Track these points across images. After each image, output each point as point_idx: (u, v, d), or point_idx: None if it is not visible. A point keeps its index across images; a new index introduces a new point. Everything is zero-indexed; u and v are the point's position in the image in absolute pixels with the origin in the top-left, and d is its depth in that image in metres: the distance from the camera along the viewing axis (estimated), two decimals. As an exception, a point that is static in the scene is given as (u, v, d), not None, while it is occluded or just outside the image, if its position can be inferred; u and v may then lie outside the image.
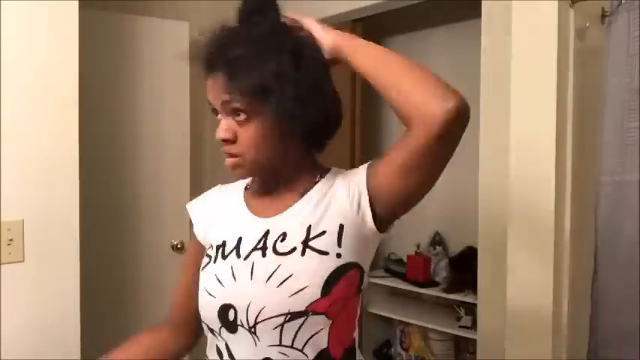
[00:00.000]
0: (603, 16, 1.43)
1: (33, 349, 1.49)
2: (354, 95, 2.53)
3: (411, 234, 2.88)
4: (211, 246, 0.90)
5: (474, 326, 2.34)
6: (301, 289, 0.77)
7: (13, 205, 1.45)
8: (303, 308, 0.77)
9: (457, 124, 0.75)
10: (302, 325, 0.78)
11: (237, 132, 0.81)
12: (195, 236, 0.97)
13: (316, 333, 0.79)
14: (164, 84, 2.44)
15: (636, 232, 1.33)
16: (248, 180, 0.95)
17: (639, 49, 1.34)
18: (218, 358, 0.85)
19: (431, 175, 0.79)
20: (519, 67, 1.54)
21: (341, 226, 0.82)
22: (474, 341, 2.24)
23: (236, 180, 0.93)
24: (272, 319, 0.78)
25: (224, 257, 0.86)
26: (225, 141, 0.82)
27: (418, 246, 2.82)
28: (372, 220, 0.82)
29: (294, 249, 0.81)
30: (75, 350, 1.56)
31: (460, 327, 2.48)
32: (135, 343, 1.01)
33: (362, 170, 0.84)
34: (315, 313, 0.78)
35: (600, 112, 1.41)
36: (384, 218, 0.84)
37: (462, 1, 2.43)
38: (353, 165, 2.52)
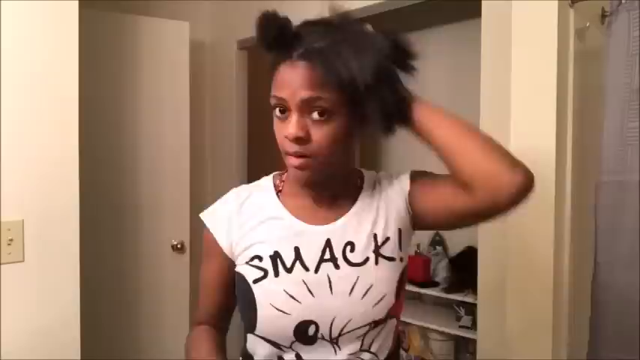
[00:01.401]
0: (603, 16, 1.43)
1: (33, 350, 1.49)
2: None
3: (411, 234, 2.88)
4: (258, 257, 0.83)
5: (473, 326, 2.34)
6: (382, 298, 0.80)
7: (13, 205, 1.45)
8: (384, 315, 0.80)
9: (524, 195, 0.79)
10: (382, 330, 0.82)
11: (310, 130, 0.75)
12: (217, 246, 0.89)
13: (389, 334, 0.84)
14: (164, 84, 2.44)
15: (636, 233, 1.33)
16: (275, 182, 0.90)
17: (639, 49, 1.34)
18: None
19: (482, 221, 0.84)
20: (519, 68, 1.54)
21: (399, 231, 0.85)
22: (474, 341, 2.24)
23: (298, 180, 0.83)
24: (357, 330, 0.80)
25: (288, 270, 0.81)
26: (298, 139, 0.75)
27: (418, 246, 2.82)
28: (410, 219, 0.87)
29: (367, 259, 0.82)
30: (75, 350, 1.57)
31: (460, 327, 2.48)
32: (205, 340, 0.91)
33: (406, 177, 0.88)
34: (391, 316, 0.82)
35: (600, 112, 1.41)
36: (416, 223, 0.89)
37: (462, 1, 2.43)
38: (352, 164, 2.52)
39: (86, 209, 1.60)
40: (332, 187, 0.85)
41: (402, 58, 0.76)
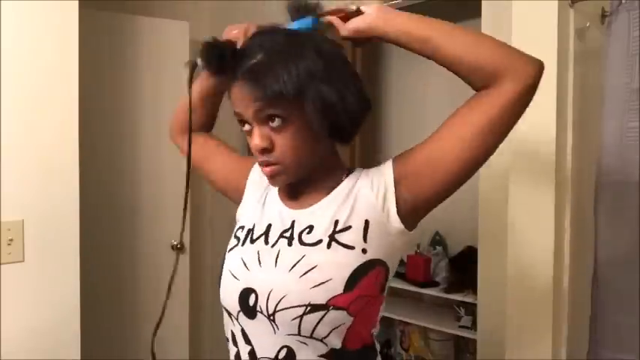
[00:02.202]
0: (603, 16, 1.43)
1: (33, 349, 1.49)
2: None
3: (411, 234, 2.88)
4: (242, 227, 0.92)
5: (473, 326, 2.34)
6: (324, 282, 0.77)
7: (13, 205, 1.45)
8: (324, 301, 0.77)
9: (539, 79, 0.80)
10: (322, 318, 0.77)
11: (273, 139, 0.80)
12: (243, 168, 1.00)
13: (335, 328, 0.78)
14: (164, 84, 2.44)
15: (636, 232, 1.33)
16: None
17: (639, 49, 1.34)
18: (234, 347, 0.86)
19: (497, 143, 0.80)
20: (519, 67, 1.54)
21: (366, 222, 0.82)
22: (474, 341, 2.24)
23: (276, 187, 0.92)
24: (292, 309, 0.77)
25: (252, 241, 0.87)
26: (263, 150, 0.80)
27: (418, 246, 2.82)
28: (397, 216, 0.82)
29: (319, 241, 0.81)
30: (75, 350, 1.57)
31: (460, 327, 2.48)
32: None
33: (387, 165, 0.85)
34: (336, 307, 0.77)
35: (600, 112, 1.41)
36: (409, 212, 0.83)
37: (462, 0, 2.43)
38: (352, 162, 2.52)
39: (86, 209, 1.60)
40: (310, 181, 0.88)
41: (324, 45, 0.80)
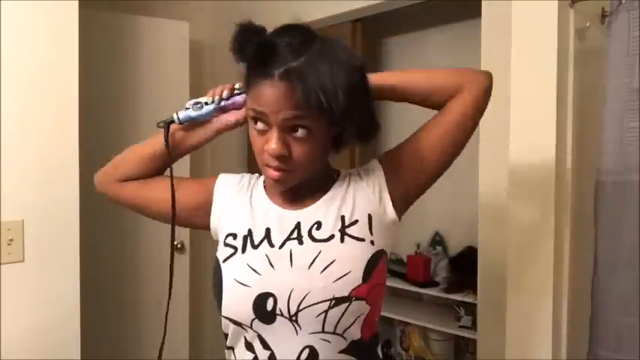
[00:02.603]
0: (603, 16, 1.43)
1: (33, 349, 1.49)
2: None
3: (411, 234, 2.88)
4: (232, 235, 0.88)
5: (473, 326, 2.34)
6: (345, 274, 0.79)
7: (13, 205, 1.45)
8: (347, 293, 0.78)
9: (491, 85, 0.94)
10: (345, 310, 0.78)
11: (291, 146, 0.78)
12: (207, 187, 0.97)
13: (357, 319, 0.80)
14: (164, 84, 2.44)
15: (636, 232, 1.33)
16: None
17: (639, 49, 1.34)
18: (249, 352, 0.83)
19: (467, 137, 0.93)
20: (519, 67, 1.54)
21: (369, 216, 0.86)
22: (474, 341, 2.24)
23: (275, 189, 0.91)
24: (316, 306, 0.78)
25: (255, 247, 0.85)
26: (280, 157, 0.78)
27: (418, 246, 2.82)
28: (392, 208, 0.89)
29: (332, 236, 0.82)
30: (75, 350, 1.57)
31: (460, 327, 2.48)
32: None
33: (375, 164, 0.92)
34: (358, 298, 0.79)
35: (600, 112, 1.41)
36: (400, 203, 0.91)
37: (462, 0, 2.43)
38: (353, 165, 2.52)
39: (86, 209, 1.60)
40: (308, 183, 0.89)
41: (361, 72, 0.80)
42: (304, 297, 0.78)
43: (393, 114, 3.16)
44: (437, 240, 2.87)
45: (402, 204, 0.91)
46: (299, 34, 0.78)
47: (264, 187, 0.94)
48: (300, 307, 0.78)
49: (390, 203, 0.89)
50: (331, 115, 0.74)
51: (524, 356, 1.53)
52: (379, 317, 0.90)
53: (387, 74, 0.93)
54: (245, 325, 0.81)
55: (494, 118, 1.83)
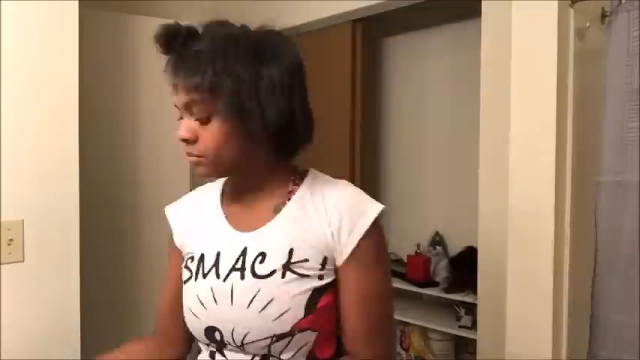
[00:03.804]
0: (603, 16, 1.43)
1: (33, 349, 1.49)
2: (354, 99, 2.53)
3: (411, 234, 2.88)
4: (191, 258, 0.89)
5: (474, 326, 2.34)
6: (284, 312, 0.77)
7: (13, 205, 1.45)
8: (288, 329, 0.77)
9: None
10: (289, 342, 0.78)
11: (198, 132, 0.80)
12: (173, 243, 0.96)
13: (304, 346, 0.80)
14: (164, 84, 2.43)
15: (636, 232, 1.33)
16: (224, 180, 0.95)
17: (639, 49, 1.34)
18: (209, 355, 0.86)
19: None
20: (519, 67, 1.54)
21: (325, 258, 0.80)
22: (474, 341, 2.24)
23: (202, 178, 0.89)
24: (258, 342, 0.78)
25: (204, 276, 0.84)
26: (186, 141, 0.81)
27: (418, 246, 2.82)
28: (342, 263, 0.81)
29: (273, 272, 0.79)
30: (75, 350, 1.56)
31: (460, 327, 2.48)
32: (123, 353, 0.99)
33: (363, 225, 0.80)
34: (301, 330, 0.78)
35: (600, 112, 1.41)
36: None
37: (462, 1, 2.43)
38: (353, 169, 2.51)
39: (86, 209, 1.60)
40: (252, 187, 0.86)
41: (270, 51, 0.80)
42: (245, 335, 0.78)
43: (393, 112, 3.16)
44: (437, 240, 2.87)
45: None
46: (211, 29, 0.82)
47: (221, 197, 0.93)
48: (245, 342, 0.79)
49: (342, 260, 0.81)
50: (205, 93, 0.76)
51: (524, 356, 1.53)
52: (336, 331, 0.85)
53: None
54: (205, 344, 0.86)
55: (494, 118, 1.84)
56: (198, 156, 0.81)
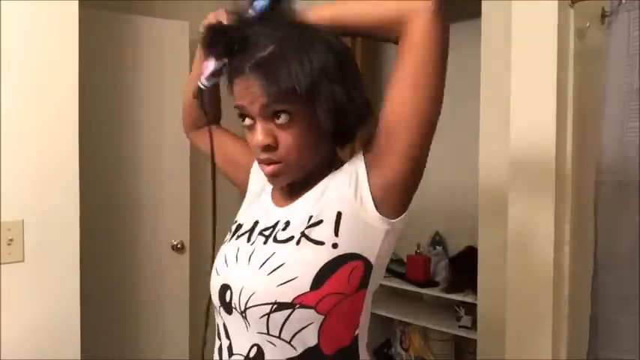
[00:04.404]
0: (603, 16, 1.43)
1: (33, 349, 1.49)
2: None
3: (411, 234, 2.88)
4: (236, 221, 0.93)
5: (474, 326, 2.34)
6: (290, 280, 0.75)
7: (13, 205, 1.45)
8: (290, 300, 0.75)
9: (438, 5, 0.74)
10: (288, 317, 0.75)
11: (277, 135, 0.77)
12: (247, 160, 0.99)
13: (304, 327, 0.76)
14: (164, 84, 2.44)
15: (636, 232, 1.33)
16: None
17: (639, 49, 1.34)
18: (218, 340, 0.87)
19: (438, 89, 0.76)
20: (519, 67, 1.54)
21: (338, 214, 0.78)
22: (474, 341, 2.24)
23: (276, 187, 0.89)
24: (259, 307, 0.76)
25: (237, 238, 0.87)
26: (266, 147, 0.77)
27: (418, 246, 2.82)
28: (372, 202, 0.78)
29: (291, 237, 0.79)
30: (75, 350, 1.57)
31: (460, 327, 2.48)
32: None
33: (358, 154, 0.83)
34: (303, 306, 0.75)
35: (600, 112, 1.41)
36: (385, 197, 0.79)
37: (462, 0, 2.43)
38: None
39: (86, 209, 1.60)
40: (310, 181, 0.86)
41: (343, 51, 0.78)
42: (250, 296, 0.78)
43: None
44: (437, 240, 2.87)
45: (388, 197, 0.79)
46: (270, 21, 0.77)
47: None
48: (248, 305, 0.78)
49: (371, 199, 0.78)
50: (301, 97, 0.73)
51: (524, 356, 1.53)
52: (354, 329, 0.82)
53: (323, 8, 0.81)
54: (217, 310, 0.86)
55: (494, 117, 1.84)
56: (278, 162, 0.78)
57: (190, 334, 2.55)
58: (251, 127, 0.79)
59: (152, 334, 2.46)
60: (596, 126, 1.42)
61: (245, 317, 0.79)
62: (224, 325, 0.85)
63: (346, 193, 0.79)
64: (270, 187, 0.92)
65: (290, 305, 0.75)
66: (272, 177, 0.81)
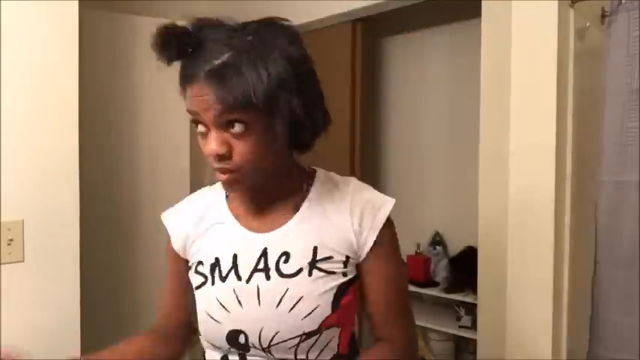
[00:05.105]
0: (603, 16, 1.43)
1: (33, 349, 1.49)
2: (354, 99, 2.52)
3: (411, 234, 2.88)
4: (201, 263, 0.86)
5: (474, 326, 2.34)
6: (313, 310, 0.77)
7: (13, 205, 1.45)
8: (316, 327, 0.78)
9: None
10: (317, 340, 0.79)
11: (231, 144, 0.74)
12: (173, 250, 0.92)
13: (329, 343, 0.81)
14: (164, 84, 2.43)
15: (636, 232, 1.33)
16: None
17: (639, 49, 1.34)
18: None
19: None
20: (519, 67, 1.54)
21: (347, 257, 0.82)
22: (474, 341, 2.24)
23: (230, 193, 0.88)
24: (287, 342, 0.78)
25: (223, 279, 0.82)
26: (220, 156, 0.74)
27: (418, 246, 2.82)
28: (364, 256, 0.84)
29: (300, 270, 0.79)
30: (75, 350, 1.56)
31: (460, 327, 2.48)
32: (124, 344, 0.98)
33: (381, 215, 0.84)
34: (328, 327, 0.79)
35: (600, 112, 1.41)
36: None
37: (462, 1, 2.43)
38: (353, 169, 2.51)
39: (86, 209, 1.60)
40: (274, 190, 0.84)
41: (302, 61, 0.76)
42: (274, 335, 0.78)
43: (392, 112, 3.16)
44: (437, 240, 2.87)
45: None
46: (229, 27, 0.76)
47: (227, 199, 0.90)
48: (272, 343, 0.78)
49: (365, 251, 0.83)
50: (257, 107, 0.70)
51: (524, 356, 1.53)
52: (353, 322, 0.87)
53: None
54: (224, 348, 0.83)
55: (494, 117, 1.84)
56: (232, 171, 0.75)
57: (190, 334, 2.55)
58: (204, 135, 0.76)
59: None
60: (596, 126, 1.42)
61: (269, 352, 0.79)
62: (240, 354, 0.82)
63: (352, 238, 0.82)
64: (225, 211, 0.88)
65: (317, 331, 0.78)
66: (227, 185, 0.79)
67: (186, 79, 0.76)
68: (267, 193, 0.84)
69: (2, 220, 1.43)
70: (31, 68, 1.48)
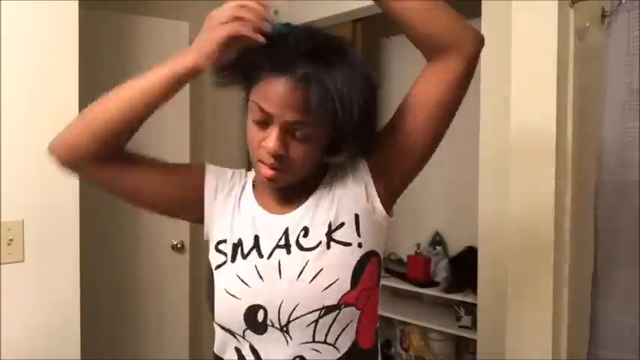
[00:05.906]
0: (603, 16, 1.43)
1: (33, 350, 1.49)
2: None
3: (411, 234, 2.88)
4: (224, 241, 0.87)
5: (474, 326, 2.34)
6: (333, 282, 0.78)
7: (13, 205, 1.45)
8: (336, 301, 0.78)
9: (480, 53, 0.80)
10: (335, 318, 0.78)
11: (289, 147, 0.77)
12: (200, 172, 0.92)
13: (347, 325, 0.80)
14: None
15: (636, 232, 1.33)
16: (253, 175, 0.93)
17: (639, 49, 1.34)
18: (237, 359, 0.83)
19: (451, 117, 0.83)
20: (519, 67, 1.54)
21: (356, 216, 0.83)
22: (474, 341, 2.24)
23: (264, 187, 0.89)
24: (306, 316, 0.78)
25: (244, 257, 0.84)
26: (277, 156, 0.76)
27: (418, 246, 2.82)
28: (380, 205, 0.85)
29: (319, 243, 0.81)
30: (75, 350, 1.56)
31: (460, 327, 2.48)
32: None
33: (359, 159, 0.86)
34: (347, 305, 0.79)
35: (600, 112, 1.41)
36: (387, 197, 0.86)
37: (462, 1, 2.43)
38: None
39: (86, 209, 1.60)
40: (297, 183, 0.86)
41: (377, 89, 0.81)
42: (294, 308, 0.78)
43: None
44: (437, 240, 2.87)
45: (389, 198, 0.87)
46: (318, 40, 0.76)
47: (253, 185, 0.91)
48: (291, 318, 0.78)
49: (378, 199, 0.85)
50: (342, 126, 0.74)
51: (524, 356, 1.53)
52: (377, 321, 0.88)
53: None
54: (237, 334, 0.82)
55: (494, 117, 1.84)
56: (281, 170, 0.78)
57: (190, 334, 2.55)
58: (262, 126, 0.77)
59: (152, 334, 2.46)
60: (596, 126, 1.42)
61: (286, 331, 0.79)
62: (250, 346, 0.81)
63: (359, 196, 0.84)
64: (244, 194, 0.90)
65: (337, 307, 0.78)
66: (270, 180, 0.80)
67: (271, 70, 0.74)
68: (301, 187, 0.87)
69: (2, 220, 1.43)
70: (31, 68, 1.48)
